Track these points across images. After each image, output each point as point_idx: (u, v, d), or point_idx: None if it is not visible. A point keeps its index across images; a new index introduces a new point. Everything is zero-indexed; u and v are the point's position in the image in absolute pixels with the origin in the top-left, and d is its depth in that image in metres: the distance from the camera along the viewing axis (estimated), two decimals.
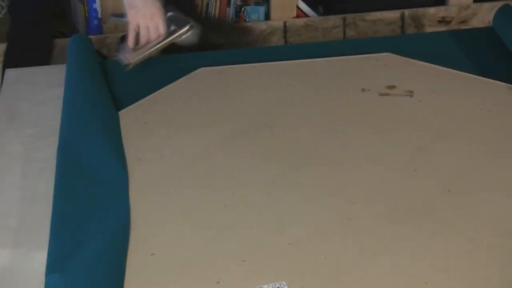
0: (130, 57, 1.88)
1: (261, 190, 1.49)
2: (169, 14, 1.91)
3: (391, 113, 1.75)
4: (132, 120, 1.74)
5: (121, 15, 1.94)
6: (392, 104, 1.78)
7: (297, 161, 1.59)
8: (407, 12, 2.25)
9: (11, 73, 1.99)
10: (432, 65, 1.94)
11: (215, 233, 1.38)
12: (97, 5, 2.41)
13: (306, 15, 2.25)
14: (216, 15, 2.14)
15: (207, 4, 2.15)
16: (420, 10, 2.26)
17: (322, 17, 2.24)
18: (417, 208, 1.44)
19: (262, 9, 2.21)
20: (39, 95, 1.87)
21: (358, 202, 1.46)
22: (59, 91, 1.83)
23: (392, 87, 1.85)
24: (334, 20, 2.23)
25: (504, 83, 1.86)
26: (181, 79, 1.91)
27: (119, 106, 1.80)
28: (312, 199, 1.47)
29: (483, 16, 2.26)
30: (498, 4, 2.27)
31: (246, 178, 1.54)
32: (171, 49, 1.96)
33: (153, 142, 1.66)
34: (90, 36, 2.17)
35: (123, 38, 1.95)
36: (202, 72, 1.94)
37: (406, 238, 1.36)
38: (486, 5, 2.28)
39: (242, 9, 2.18)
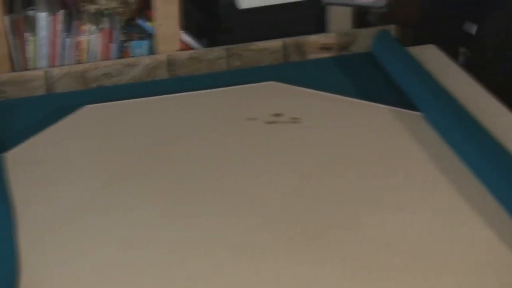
0: None
1: (149, 225, 1.48)
2: None
3: (278, 141, 1.77)
4: (18, 162, 1.70)
5: None
6: (279, 132, 1.81)
7: (188, 193, 1.59)
8: (289, 40, 2.28)
9: None
10: (317, 91, 1.98)
11: (105, 276, 1.36)
12: None
13: (190, 48, 2.25)
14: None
15: (89, 41, 2.13)
16: (301, 38, 2.30)
17: (206, 49, 2.25)
18: (310, 232, 1.45)
19: (145, 43, 2.20)
20: None
21: (253, 229, 1.46)
22: None
23: (278, 115, 1.87)
24: (218, 51, 2.24)
25: (386, 106, 1.91)
26: (67, 118, 1.88)
27: (4, 148, 1.75)
28: (208, 228, 1.47)
29: (363, 42, 2.32)
30: (377, 30, 2.34)
31: (136, 216, 1.52)
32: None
33: (40, 185, 1.62)
34: None
35: None
36: (88, 109, 1.92)
37: (300, 262, 1.37)
38: (365, 31, 2.34)
39: (125, 44, 2.17)
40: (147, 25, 2.22)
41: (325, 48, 2.32)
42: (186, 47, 2.26)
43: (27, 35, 2.10)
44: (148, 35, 2.22)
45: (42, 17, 2.08)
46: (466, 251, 1.40)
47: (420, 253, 1.39)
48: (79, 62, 2.15)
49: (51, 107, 1.94)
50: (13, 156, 1.72)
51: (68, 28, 2.13)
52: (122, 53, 2.20)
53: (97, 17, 2.18)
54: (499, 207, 1.51)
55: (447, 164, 1.66)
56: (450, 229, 1.46)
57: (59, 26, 2.11)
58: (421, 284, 1.32)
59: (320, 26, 2.44)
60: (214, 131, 1.81)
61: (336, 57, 2.29)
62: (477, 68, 2.17)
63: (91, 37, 2.14)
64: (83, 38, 2.13)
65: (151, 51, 2.22)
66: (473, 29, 2.61)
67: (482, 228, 1.45)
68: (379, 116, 1.88)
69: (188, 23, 2.29)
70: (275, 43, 2.29)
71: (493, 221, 1.47)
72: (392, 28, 2.37)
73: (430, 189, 1.59)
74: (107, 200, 1.56)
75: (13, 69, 2.12)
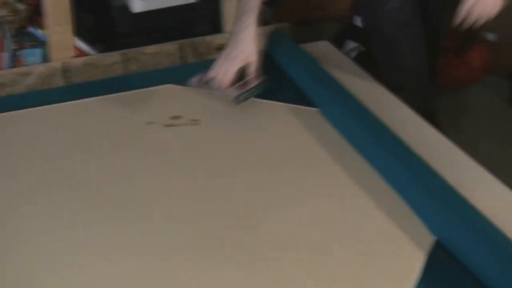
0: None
1: (51, 234, 1.46)
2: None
3: (178, 144, 1.77)
4: None
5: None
6: (179, 135, 1.81)
7: (89, 202, 1.57)
8: (184, 42, 2.28)
9: None
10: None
11: None
12: None
13: (85, 54, 2.22)
14: None
15: None
16: (197, 40, 2.30)
17: (101, 54, 2.23)
18: (212, 234, 1.46)
19: (39, 51, 2.16)
20: None
21: (154, 235, 1.46)
22: None
23: (177, 117, 1.87)
24: (114, 56, 2.22)
25: (283, 103, 1.93)
26: None
27: None
28: (106, 239, 1.46)
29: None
30: (270, 29, 2.37)
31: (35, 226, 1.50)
32: None
33: None
34: None
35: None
36: None
37: (205, 266, 1.37)
38: (260, 29, 2.36)
39: (17, 53, 2.13)
40: (39, 32, 2.19)
41: (221, 48, 2.34)
42: (81, 53, 2.23)
43: None
44: (41, 43, 2.18)
45: None
46: (366, 241, 1.43)
47: (320, 247, 1.41)
48: None
49: None
50: None
51: None
52: (15, 62, 2.16)
53: None
54: (398, 197, 1.55)
55: (345, 157, 1.70)
56: (350, 220, 1.49)
57: None
58: (321, 276, 1.34)
59: (215, 26, 2.45)
60: (114, 137, 1.80)
61: None
62: (370, 62, 2.22)
63: None
64: None
65: (45, 59, 2.18)
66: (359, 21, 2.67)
67: (383, 220, 1.49)
68: (277, 113, 1.90)
69: (81, 29, 2.26)
70: (171, 46, 2.29)
71: (395, 213, 1.51)
72: (285, 26, 2.40)
73: (329, 182, 1.62)
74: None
75: None
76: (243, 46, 1.94)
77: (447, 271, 1.37)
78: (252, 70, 1.95)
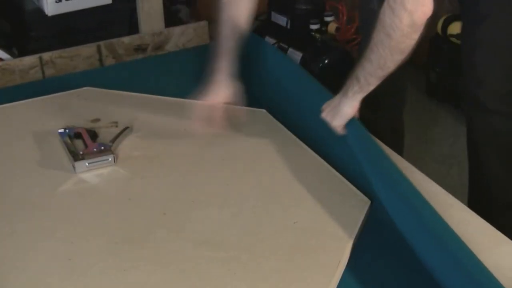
0: None
1: None
2: None
3: None
4: None
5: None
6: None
7: (8, 209, 1.55)
8: (102, 44, 2.26)
9: None
10: (132, 94, 1.98)
11: None
12: None
13: (0, 59, 2.19)
14: None
15: None
16: (115, 41, 2.28)
17: (17, 59, 2.19)
18: (135, 236, 1.45)
19: None
20: None
21: (76, 240, 1.44)
22: None
23: (96, 120, 1.86)
24: (30, 60, 2.18)
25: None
26: None
27: None
28: (28, 246, 1.44)
29: (176, 40, 2.34)
30: (189, 28, 2.37)
31: None
32: None
33: None
34: None
35: None
36: None
37: (130, 267, 1.37)
38: (177, 29, 2.36)
39: None
40: None
41: (140, 49, 2.33)
42: None
43: None
44: None
45: None
46: (291, 237, 1.45)
47: (243, 245, 1.43)
48: None
49: None
50: None
51: None
52: None
53: None
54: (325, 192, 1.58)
55: (290, 155, 1.71)
56: (275, 216, 1.51)
57: None
58: (245, 272, 1.35)
59: (132, 27, 2.44)
60: (33, 143, 1.77)
61: (150, 57, 2.30)
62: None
63: None
64: None
65: None
66: (283, 20, 2.69)
67: (324, 217, 1.51)
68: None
69: None
70: (89, 48, 2.26)
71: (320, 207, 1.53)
72: (204, 25, 2.41)
73: (269, 179, 1.63)
74: None
75: None
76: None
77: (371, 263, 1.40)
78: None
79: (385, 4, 1.49)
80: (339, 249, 1.40)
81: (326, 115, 1.68)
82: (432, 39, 2.95)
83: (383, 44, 1.52)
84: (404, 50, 1.52)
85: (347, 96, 1.63)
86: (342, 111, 1.64)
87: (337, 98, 1.67)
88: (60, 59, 2.23)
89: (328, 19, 2.66)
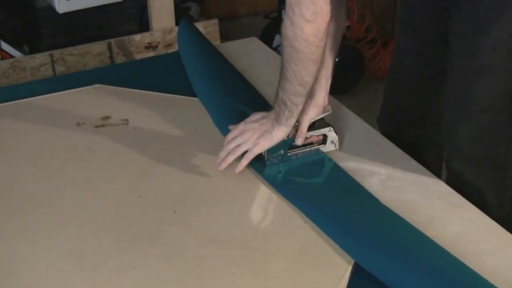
0: None
1: None
2: None
3: (109, 144, 1.76)
4: None
5: None
6: (109, 135, 1.79)
7: (19, 205, 1.55)
8: (113, 41, 2.26)
9: None
10: (143, 91, 1.98)
11: None
12: None
13: (11, 56, 2.19)
14: None
15: None
16: (126, 38, 2.29)
17: (28, 56, 2.20)
18: (145, 234, 1.46)
19: None
20: None
21: (87, 237, 1.45)
22: None
23: (107, 117, 1.86)
24: (41, 57, 2.19)
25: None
26: None
27: None
28: (38, 242, 1.44)
29: None
30: (199, 25, 2.37)
31: None
32: None
33: None
34: None
35: None
36: None
37: (140, 265, 1.37)
38: None
39: None
40: None
41: (150, 46, 2.33)
42: (6, 56, 2.20)
43: None
44: None
45: None
46: (297, 236, 1.45)
47: (249, 243, 1.43)
48: None
49: None
50: None
51: None
52: None
53: None
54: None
55: None
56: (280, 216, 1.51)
57: None
58: (254, 271, 1.36)
59: (143, 25, 2.45)
60: (43, 139, 1.78)
61: (161, 55, 2.30)
62: None
63: None
64: None
65: None
66: None
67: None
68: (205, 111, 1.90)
69: (6, 31, 2.23)
70: (99, 46, 2.27)
71: None
72: (214, 22, 2.41)
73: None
74: None
75: None
76: None
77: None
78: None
79: (285, 17, 1.47)
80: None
81: (251, 135, 1.62)
82: None
83: (293, 58, 1.49)
84: (314, 59, 1.50)
85: (281, 123, 1.59)
86: (275, 136, 1.61)
87: (268, 122, 1.62)
88: (71, 57, 2.24)
89: None
